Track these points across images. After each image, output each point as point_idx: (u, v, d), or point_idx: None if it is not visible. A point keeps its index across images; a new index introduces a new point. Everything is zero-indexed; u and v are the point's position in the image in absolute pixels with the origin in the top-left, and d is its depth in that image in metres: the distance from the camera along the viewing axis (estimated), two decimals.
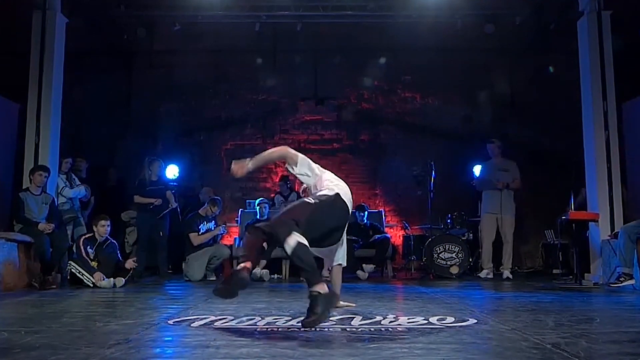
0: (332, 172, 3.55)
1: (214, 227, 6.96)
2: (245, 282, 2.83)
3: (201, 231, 6.81)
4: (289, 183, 8.39)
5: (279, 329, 2.74)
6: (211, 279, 6.81)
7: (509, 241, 6.99)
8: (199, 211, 6.94)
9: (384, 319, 3.04)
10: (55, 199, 6.35)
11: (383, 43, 8.85)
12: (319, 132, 9.45)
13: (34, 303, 4.29)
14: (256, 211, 7.52)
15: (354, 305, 3.55)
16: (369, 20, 7.96)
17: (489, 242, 7.06)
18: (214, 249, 6.85)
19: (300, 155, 3.41)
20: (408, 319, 3.04)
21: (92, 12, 7.62)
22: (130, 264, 5.92)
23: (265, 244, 2.99)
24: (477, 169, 7.63)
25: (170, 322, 3.00)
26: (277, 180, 8.90)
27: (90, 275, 5.56)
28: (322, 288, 2.73)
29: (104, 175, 8.25)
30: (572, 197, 6.51)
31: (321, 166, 3.54)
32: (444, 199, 7.79)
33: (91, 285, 5.53)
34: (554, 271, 7.61)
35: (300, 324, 2.82)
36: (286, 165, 3.44)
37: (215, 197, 7.14)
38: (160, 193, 7.00)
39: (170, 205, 7.02)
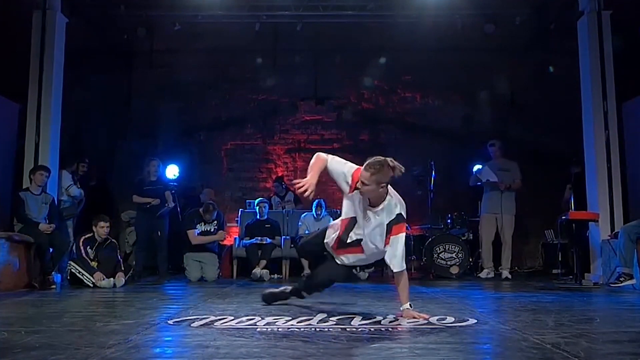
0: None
1: (215, 230, 6.93)
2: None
3: (197, 231, 6.80)
4: (284, 184, 8.38)
5: (279, 329, 2.74)
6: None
7: (507, 242, 6.99)
8: (200, 209, 6.93)
9: (384, 319, 3.04)
10: (56, 199, 6.35)
11: (383, 43, 8.84)
12: (319, 132, 9.44)
13: (34, 303, 4.29)
14: (256, 211, 7.51)
15: (427, 316, 3.07)
16: (369, 20, 7.96)
17: (488, 242, 7.07)
18: (204, 264, 6.79)
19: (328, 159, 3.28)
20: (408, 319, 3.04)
21: (92, 12, 7.61)
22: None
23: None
24: (476, 169, 7.61)
25: (170, 322, 3.00)
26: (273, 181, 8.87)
27: (90, 275, 5.57)
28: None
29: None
30: (572, 197, 6.51)
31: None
32: (444, 199, 7.80)
33: (91, 285, 5.53)
34: (554, 271, 7.60)
35: (299, 325, 2.82)
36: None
37: (209, 202, 7.04)
38: (158, 193, 6.97)
39: (167, 205, 6.95)
